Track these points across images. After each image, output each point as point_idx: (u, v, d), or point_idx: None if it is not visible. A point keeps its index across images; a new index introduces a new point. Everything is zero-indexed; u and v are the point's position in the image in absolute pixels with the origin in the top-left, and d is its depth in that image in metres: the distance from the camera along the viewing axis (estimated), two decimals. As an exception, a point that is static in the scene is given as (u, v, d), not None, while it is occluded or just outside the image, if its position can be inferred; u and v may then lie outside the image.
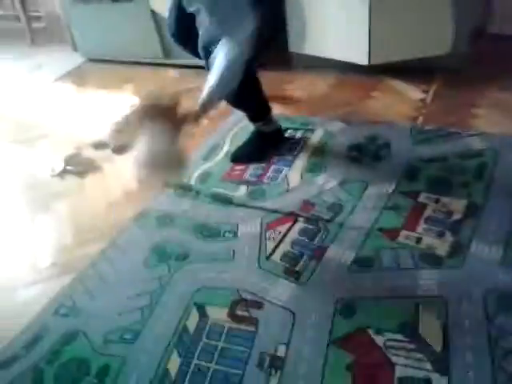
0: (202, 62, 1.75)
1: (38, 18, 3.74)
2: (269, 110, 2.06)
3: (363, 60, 2.45)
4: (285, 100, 2.47)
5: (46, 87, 2.97)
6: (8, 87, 3.05)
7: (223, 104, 1.88)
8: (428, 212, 1.65)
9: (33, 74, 3.15)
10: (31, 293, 1.60)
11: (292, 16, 2.60)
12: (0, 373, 1.34)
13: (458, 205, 1.66)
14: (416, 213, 1.65)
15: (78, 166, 2.19)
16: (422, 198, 1.72)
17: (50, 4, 3.56)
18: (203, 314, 1.41)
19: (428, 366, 1.19)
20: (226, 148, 2.17)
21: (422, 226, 1.60)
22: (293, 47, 2.69)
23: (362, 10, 2.36)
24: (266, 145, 2.10)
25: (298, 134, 2.19)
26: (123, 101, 2.68)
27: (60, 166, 2.20)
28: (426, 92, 2.36)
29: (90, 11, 3.11)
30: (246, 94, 1.82)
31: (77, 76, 3.06)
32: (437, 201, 1.69)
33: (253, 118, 2.08)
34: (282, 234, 1.65)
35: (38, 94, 2.91)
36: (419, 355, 1.22)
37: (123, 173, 2.12)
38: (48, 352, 1.37)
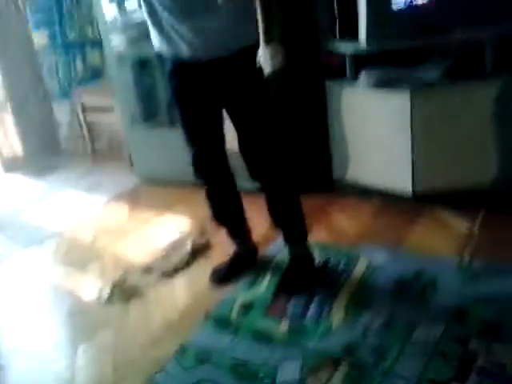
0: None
1: (100, 138, 4.03)
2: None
3: (407, 189, 2.46)
4: (327, 225, 2.48)
5: (101, 208, 3.12)
6: (65, 206, 3.24)
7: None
8: (479, 363, 1.55)
9: (90, 193, 3.34)
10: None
11: (336, 143, 2.69)
12: None
13: (510, 356, 1.55)
14: (466, 363, 1.56)
15: (124, 292, 2.24)
16: (472, 345, 1.62)
17: (113, 125, 3.85)
18: None
19: None
20: (268, 277, 2.16)
21: (473, 379, 1.49)
22: (336, 173, 2.75)
23: (403, 139, 2.40)
24: (309, 274, 2.09)
25: (341, 265, 2.16)
26: (174, 224, 2.77)
27: (106, 292, 2.25)
28: (472, 222, 2.31)
29: (148, 134, 3.34)
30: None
31: (130, 197, 3.22)
32: (488, 348, 1.59)
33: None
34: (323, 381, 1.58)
35: (93, 214, 3.06)
36: None
37: (166, 301, 2.15)
38: None
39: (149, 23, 1.82)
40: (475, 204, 2.41)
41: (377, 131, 2.52)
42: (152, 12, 1.76)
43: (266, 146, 1.90)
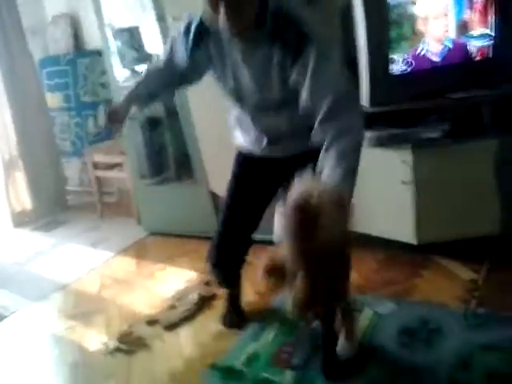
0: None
1: (110, 194, 4.14)
2: None
3: (411, 240, 2.50)
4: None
5: (107, 261, 3.16)
6: (71, 260, 3.28)
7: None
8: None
9: (97, 246, 3.39)
10: None
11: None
12: None
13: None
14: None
15: (129, 344, 2.23)
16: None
17: (122, 181, 3.95)
18: None
19: None
20: (273, 327, 2.16)
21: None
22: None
23: (406, 193, 2.47)
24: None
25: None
26: (179, 276, 2.79)
27: (112, 343, 2.25)
28: (477, 272, 2.33)
29: (156, 189, 3.43)
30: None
31: (137, 250, 3.26)
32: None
33: None
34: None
35: (99, 267, 3.09)
36: None
37: (172, 352, 2.15)
38: None
39: (233, 120, 1.90)
40: (479, 254, 2.43)
41: (380, 185, 2.59)
42: (236, 110, 1.84)
43: None
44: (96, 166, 3.85)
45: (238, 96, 1.67)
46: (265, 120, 1.71)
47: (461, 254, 2.46)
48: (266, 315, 2.26)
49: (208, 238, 2.92)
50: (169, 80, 1.80)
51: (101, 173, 3.87)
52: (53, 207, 4.16)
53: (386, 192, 2.57)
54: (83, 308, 2.65)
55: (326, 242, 1.22)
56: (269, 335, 2.12)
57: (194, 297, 2.43)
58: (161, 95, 1.90)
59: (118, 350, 2.21)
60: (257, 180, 1.92)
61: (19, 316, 2.67)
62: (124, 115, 1.80)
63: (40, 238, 3.72)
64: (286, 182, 1.82)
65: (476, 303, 2.11)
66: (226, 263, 2.07)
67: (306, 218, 1.20)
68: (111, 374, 2.08)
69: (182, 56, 1.66)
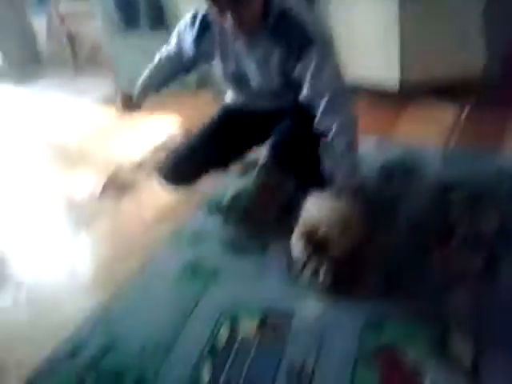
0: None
1: (81, 45, 3.94)
2: None
3: (395, 84, 2.51)
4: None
5: (88, 112, 3.11)
6: (51, 113, 3.22)
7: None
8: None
9: (76, 99, 3.31)
10: (72, 305, 1.68)
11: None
12: (44, 379, 1.41)
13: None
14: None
15: (116, 187, 2.29)
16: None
17: (94, 34, 3.75)
18: (234, 329, 1.45)
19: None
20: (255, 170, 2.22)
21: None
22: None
23: (392, 36, 2.42)
24: None
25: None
26: (163, 123, 2.80)
27: (99, 188, 2.31)
28: (458, 112, 2.37)
29: (129, 40, 3.28)
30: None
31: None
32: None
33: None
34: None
35: (80, 118, 3.05)
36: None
37: (158, 193, 2.21)
38: (88, 362, 1.43)
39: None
40: (462, 96, 2.45)
41: (366, 30, 2.52)
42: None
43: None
44: (63, 17, 3.62)
45: (238, 80, 1.74)
46: (258, 101, 1.79)
47: (444, 95, 2.48)
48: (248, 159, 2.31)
49: (186, 93, 2.91)
50: (179, 66, 1.87)
51: (70, 24, 3.65)
52: (25, 61, 3.98)
53: (372, 36, 2.52)
54: (67, 157, 2.66)
55: (341, 252, 1.42)
56: (251, 177, 2.19)
57: (178, 141, 2.45)
58: (172, 80, 1.96)
59: (105, 193, 2.28)
60: (239, 123, 1.87)
61: None
62: (139, 106, 1.90)
63: (14, 91, 3.61)
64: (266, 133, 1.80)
65: (456, 141, 2.18)
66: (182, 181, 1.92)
67: (316, 248, 1.42)
68: (101, 213, 2.15)
69: (189, 46, 1.72)
